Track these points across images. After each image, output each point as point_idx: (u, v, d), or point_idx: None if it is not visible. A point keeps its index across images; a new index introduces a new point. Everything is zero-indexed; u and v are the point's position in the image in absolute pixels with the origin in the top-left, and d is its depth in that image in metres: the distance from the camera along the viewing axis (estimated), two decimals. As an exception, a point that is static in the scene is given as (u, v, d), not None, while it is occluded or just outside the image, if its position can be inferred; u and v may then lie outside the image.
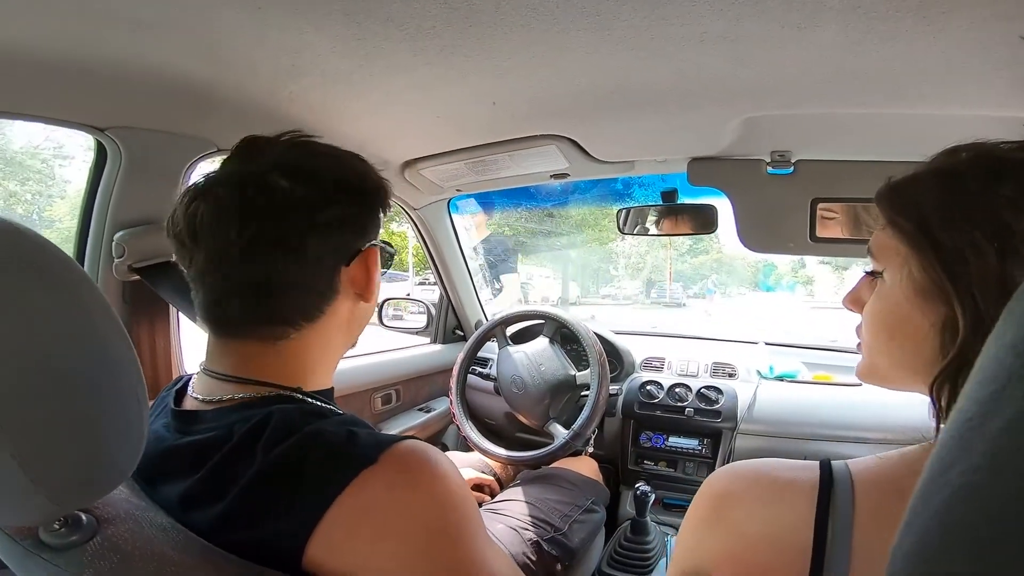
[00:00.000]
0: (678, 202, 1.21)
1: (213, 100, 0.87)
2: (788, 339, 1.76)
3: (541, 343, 1.43)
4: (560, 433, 1.31)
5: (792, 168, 1.01)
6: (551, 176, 1.27)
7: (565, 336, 1.47)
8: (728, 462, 1.41)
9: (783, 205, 1.01)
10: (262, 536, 0.45)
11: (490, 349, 1.61)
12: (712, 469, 1.45)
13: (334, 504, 0.44)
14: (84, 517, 0.46)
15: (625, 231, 1.31)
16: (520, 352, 1.42)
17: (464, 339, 1.87)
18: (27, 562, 0.45)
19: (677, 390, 1.50)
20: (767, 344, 1.68)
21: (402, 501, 0.45)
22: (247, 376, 0.54)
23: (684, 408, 1.46)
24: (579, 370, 1.38)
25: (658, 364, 1.61)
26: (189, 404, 0.56)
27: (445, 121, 1.03)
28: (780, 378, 1.52)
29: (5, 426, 0.36)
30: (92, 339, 0.40)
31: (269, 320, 0.55)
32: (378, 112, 0.97)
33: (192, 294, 0.56)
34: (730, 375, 1.54)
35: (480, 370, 1.60)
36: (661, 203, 1.24)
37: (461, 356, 1.53)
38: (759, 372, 1.54)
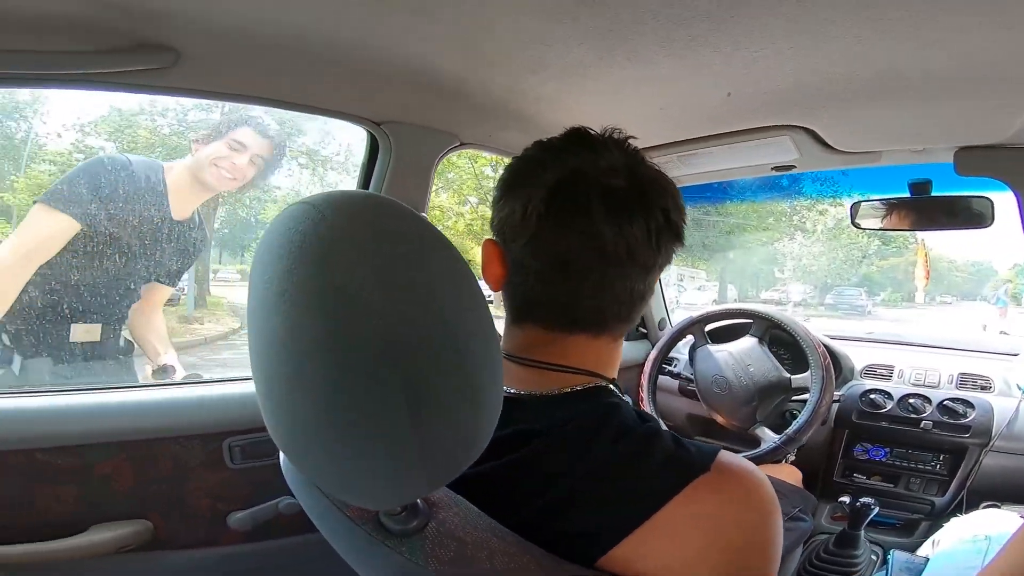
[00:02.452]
0: (932, 194, 1.12)
1: (462, 95, 0.95)
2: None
3: (748, 343, 1.41)
4: (769, 437, 1.29)
5: (1099, 155, 0.88)
6: (772, 168, 1.26)
7: (774, 338, 1.43)
8: (970, 481, 1.30)
9: (1090, 196, 0.89)
10: (570, 529, 0.46)
11: (675, 348, 1.62)
12: (946, 488, 1.35)
13: (665, 507, 0.44)
14: (420, 502, 0.45)
15: (862, 226, 1.25)
16: (723, 351, 1.42)
17: (646, 337, 1.90)
18: (370, 549, 0.45)
19: (912, 401, 1.40)
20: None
21: (735, 513, 0.46)
22: (574, 366, 0.55)
23: (920, 420, 1.36)
24: (791, 373, 1.34)
25: (884, 372, 1.51)
26: None
27: (669, 113, 1.06)
28: (1050, 394, 1.32)
29: (416, 397, 0.36)
30: (476, 311, 0.40)
31: (631, 321, 0.58)
32: (604, 104, 1.01)
33: (519, 283, 0.56)
34: (983, 388, 1.39)
35: (669, 368, 1.62)
36: (909, 195, 1.16)
37: (654, 354, 1.57)
38: (1020, 387, 1.35)
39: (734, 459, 0.49)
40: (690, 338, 1.55)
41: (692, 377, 1.50)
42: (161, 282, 1.54)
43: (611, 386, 0.57)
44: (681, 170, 1.35)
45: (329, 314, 0.37)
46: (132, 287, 1.46)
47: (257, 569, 1.12)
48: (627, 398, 0.57)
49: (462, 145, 1.14)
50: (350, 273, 0.36)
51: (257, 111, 1.50)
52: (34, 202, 1.31)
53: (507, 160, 1.26)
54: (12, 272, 1.24)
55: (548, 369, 0.55)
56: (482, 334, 0.40)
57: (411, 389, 0.36)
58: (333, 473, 0.41)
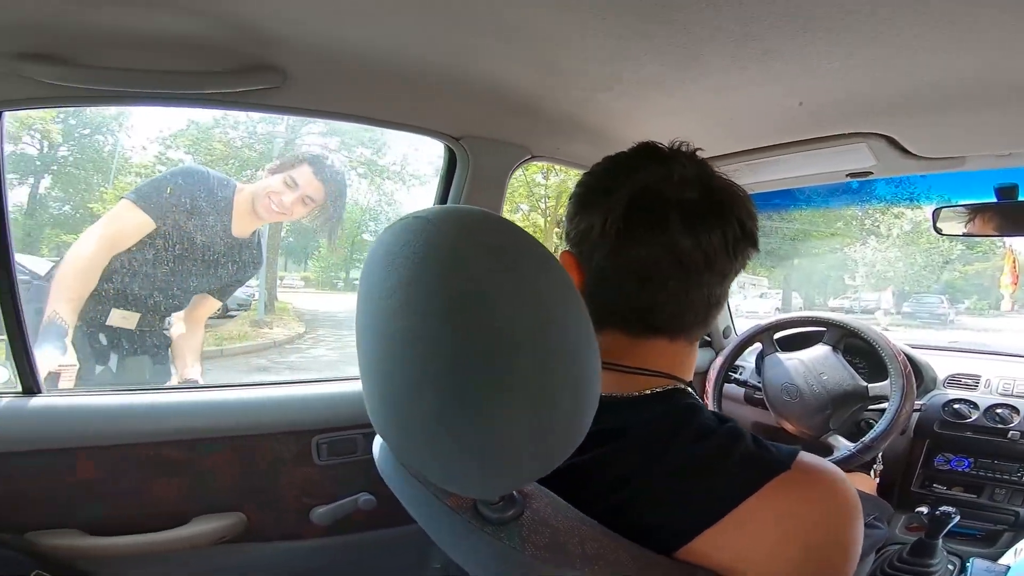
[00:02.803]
0: (1020, 199, 1.10)
1: (534, 110, 1.00)
2: None
3: (820, 351, 1.40)
4: (843, 445, 1.28)
5: None
6: (847, 176, 1.26)
7: (849, 346, 1.42)
8: None
9: None
10: (647, 523, 0.48)
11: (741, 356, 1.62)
12: None
13: (744, 503, 0.46)
14: (515, 493, 0.48)
15: (944, 232, 1.23)
16: (794, 359, 1.42)
17: (710, 344, 1.90)
18: (469, 536, 0.49)
19: (999, 411, 1.37)
20: None
21: (815, 512, 0.47)
22: (653, 369, 0.58)
23: (1007, 431, 1.34)
24: (867, 381, 1.33)
25: (970, 382, 1.47)
26: None
27: (737, 123, 1.07)
28: None
29: (531, 392, 0.40)
30: (578, 312, 0.44)
31: (707, 326, 0.61)
32: (672, 116, 1.03)
33: (599, 292, 0.58)
34: None
35: (735, 377, 1.63)
36: (995, 200, 1.13)
37: (719, 361, 1.58)
38: None
39: (815, 459, 0.50)
40: (757, 346, 1.55)
41: (759, 385, 1.50)
42: (212, 295, 1.66)
43: (688, 388, 0.59)
44: (750, 178, 1.35)
45: (454, 318, 0.41)
46: (184, 290, 1.60)
47: (335, 562, 1.18)
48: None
49: (533, 158, 1.19)
50: (471, 280, 0.41)
51: (320, 149, 1.61)
52: (121, 198, 1.49)
53: (567, 169, 1.29)
54: (95, 255, 1.41)
55: (628, 372, 0.58)
56: (584, 333, 0.43)
57: (528, 385, 0.40)
58: (441, 465, 0.45)
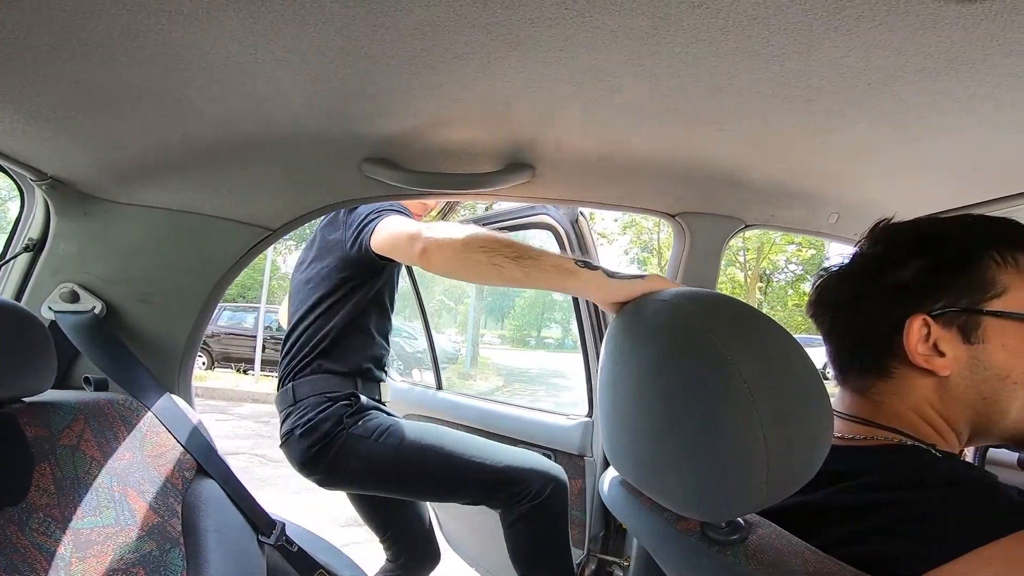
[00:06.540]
0: None
1: (745, 182, 1.04)
2: None
3: None
4: None
5: None
6: None
7: None
8: None
9: None
10: (880, 553, 0.50)
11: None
12: None
13: (998, 542, 0.46)
14: (740, 519, 0.55)
15: None
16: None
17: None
18: (696, 553, 0.56)
19: None
20: None
21: None
22: (891, 425, 0.62)
23: None
24: None
25: None
26: None
27: (986, 172, 0.98)
28: None
29: (772, 431, 0.48)
30: (809, 372, 0.53)
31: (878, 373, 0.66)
32: (895, 172, 0.99)
33: None
34: None
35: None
36: None
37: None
38: None
39: None
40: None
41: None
42: None
43: (930, 449, 0.61)
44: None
45: (703, 381, 0.52)
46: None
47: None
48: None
49: (747, 227, 1.21)
50: (714, 351, 0.52)
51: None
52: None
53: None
54: None
55: (850, 421, 0.66)
56: (816, 385, 0.52)
57: (766, 431, 0.49)
58: (679, 493, 0.56)
